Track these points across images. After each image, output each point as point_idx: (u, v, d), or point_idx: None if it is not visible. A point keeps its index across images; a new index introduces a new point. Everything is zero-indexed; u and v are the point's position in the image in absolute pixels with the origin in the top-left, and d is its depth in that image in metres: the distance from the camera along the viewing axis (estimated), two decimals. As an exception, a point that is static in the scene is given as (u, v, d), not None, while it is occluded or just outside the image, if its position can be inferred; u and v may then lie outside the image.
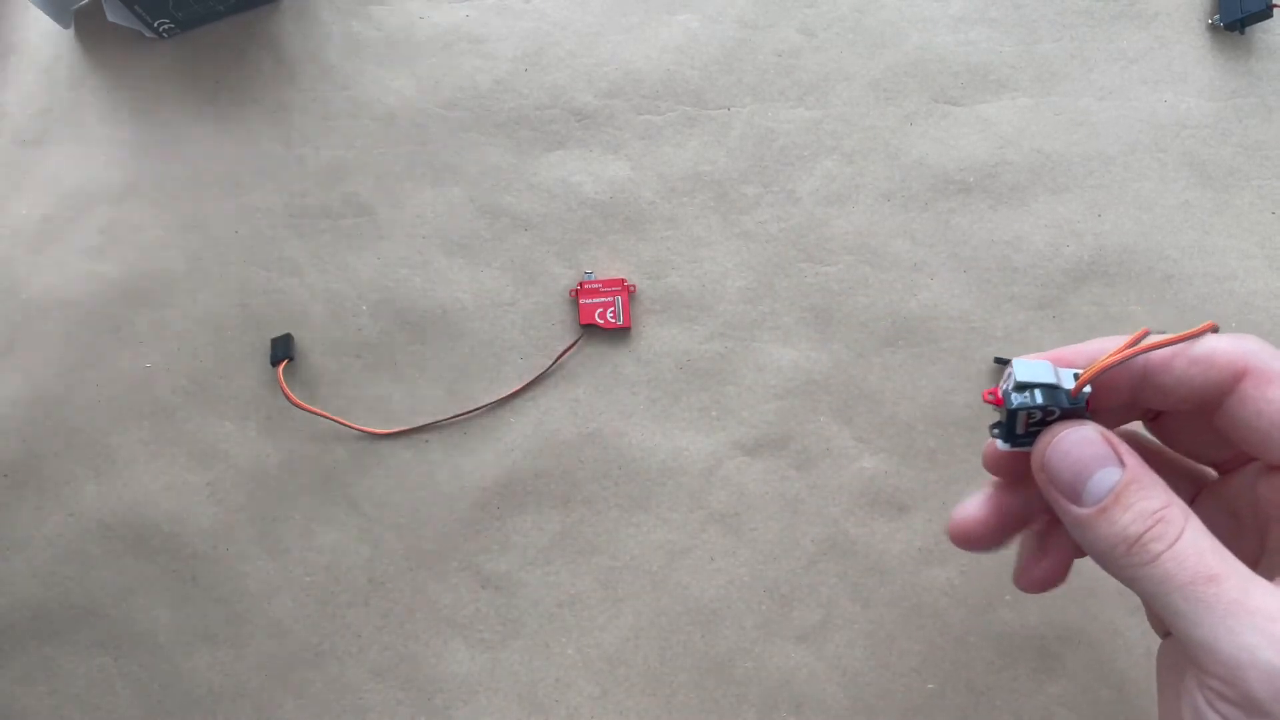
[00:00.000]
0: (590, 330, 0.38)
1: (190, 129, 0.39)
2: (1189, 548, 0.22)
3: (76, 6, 0.39)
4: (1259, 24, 0.39)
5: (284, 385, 0.37)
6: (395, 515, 0.37)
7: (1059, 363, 0.25)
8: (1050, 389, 0.24)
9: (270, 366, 0.38)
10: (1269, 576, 0.23)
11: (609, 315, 0.37)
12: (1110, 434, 0.24)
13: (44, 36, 0.39)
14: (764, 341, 0.38)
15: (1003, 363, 0.29)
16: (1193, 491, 0.28)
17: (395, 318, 0.38)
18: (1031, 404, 0.24)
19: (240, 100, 0.39)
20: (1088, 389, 0.24)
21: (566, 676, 0.36)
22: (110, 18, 0.37)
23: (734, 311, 0.38)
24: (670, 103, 0.39)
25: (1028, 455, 0.25)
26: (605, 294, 0.38)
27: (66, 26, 0.39)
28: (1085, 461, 0.24)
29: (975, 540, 0.28)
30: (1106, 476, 0.23)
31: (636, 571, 0.37)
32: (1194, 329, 0.24)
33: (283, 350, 0.37)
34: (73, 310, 0.38)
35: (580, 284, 0.38)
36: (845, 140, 0.39)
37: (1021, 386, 0.24)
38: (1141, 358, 0.24)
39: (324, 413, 0.37)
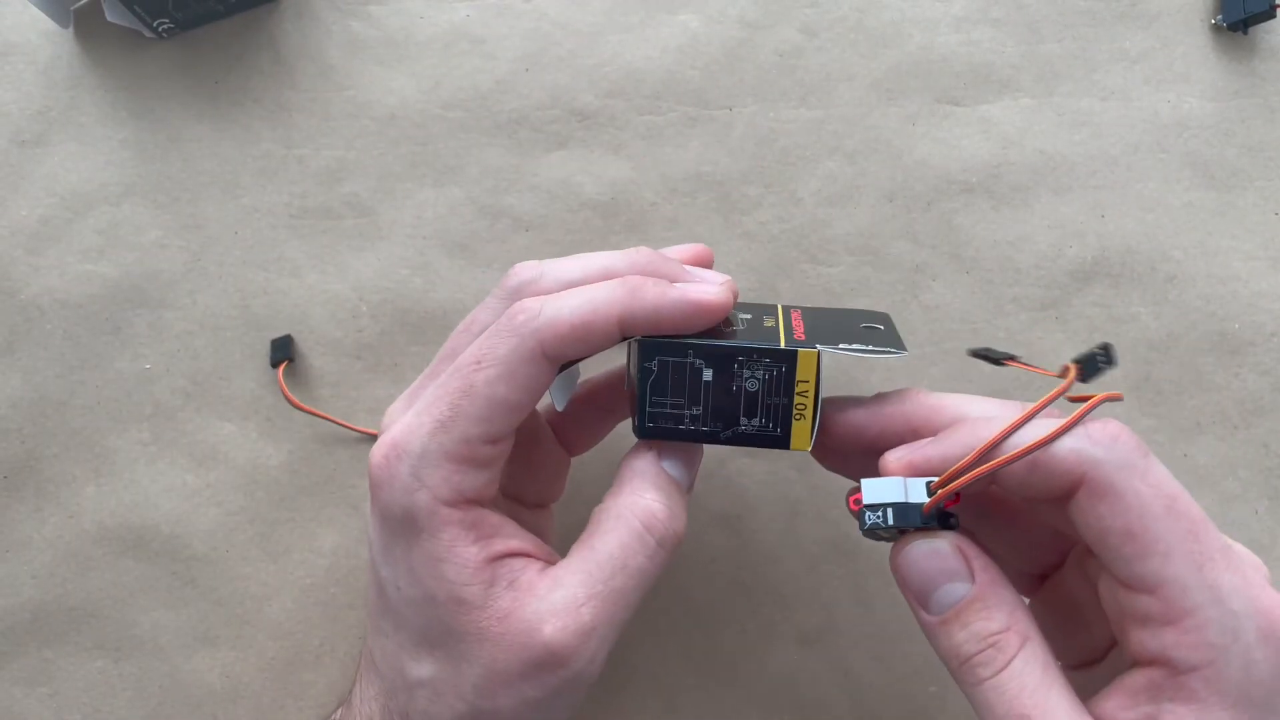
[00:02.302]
0: (591, 331, 0.38)
1: (190, 129, 0.39)
2: (1012, 681, 0.23)
3: (75, 6, 0.39)
4: (1262, 24, 0.39)
5: (284, 386, 0.37)
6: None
7: (920, 467, 0.25)
8: (901, 508, 0.24)
9: (270, 368, 0.38)
10: (1111, 672, 0.23)
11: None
12: (967, 545, 0.24)
13: (43, 36, 0.39)
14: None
15: (979, 356, 0.29)
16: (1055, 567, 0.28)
17: (395, 318, 0.38)
18: (883, 524, 0.24)
19: (240, 100, 0.39)
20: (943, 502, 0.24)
21: (568, 679, 0.36)
22: (109, 17, 0.37)
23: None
24: (671, 103, 0.39)
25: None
26: (606, 295, 0.37)
27: (65, 26, 0.39)
28: (932, 575, 0.24)
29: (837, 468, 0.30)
30: (952, 591, 0.24)
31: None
32: (1073, 415, 0.23)
33: (282, 351, 0.37)
34: (72, 311, 0.38)
35: (581, 285, 0.38)
36: (847, 141, 0.39)
37: (873, 506, 0.24)
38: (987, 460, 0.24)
39: (324, 414, 0.37)
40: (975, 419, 0.25)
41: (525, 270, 0.28)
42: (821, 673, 0.36)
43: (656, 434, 0.28)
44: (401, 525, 0.25)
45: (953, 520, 0.25)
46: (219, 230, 0.38)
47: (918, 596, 0.25)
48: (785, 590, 0.36)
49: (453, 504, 0.25)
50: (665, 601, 0.36)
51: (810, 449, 0.29)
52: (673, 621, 0.36)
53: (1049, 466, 0.23)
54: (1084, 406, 0.23)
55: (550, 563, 0.27)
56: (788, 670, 0.36)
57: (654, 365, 0.28)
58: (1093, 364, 0.26)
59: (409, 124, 0.39)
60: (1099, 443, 0.23)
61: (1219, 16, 0.39)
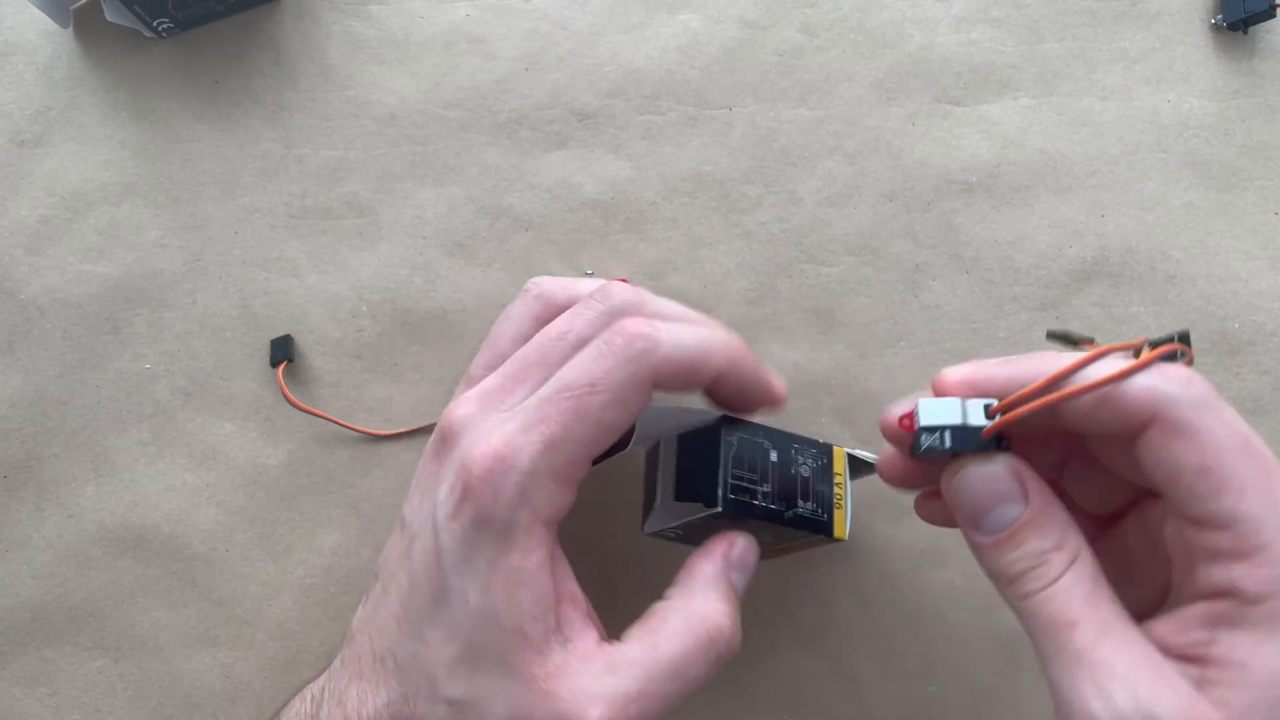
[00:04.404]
0: (591, 331, 0.38)
1: (190, 129, 0.39)
2: (1060, 592, 0.23)
3: (75, 6, 0.39)
4: (1262, 24, 0.39)
5: (284, 386, 0.37)
6: (396, 517, 0.37)
7: (982, 386, 0.24)
8: (960, 431, 0.24)
9: (270, 367, 0.38)
10: (1172, 614, 0.23)
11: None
12: (1022, 467, 0.24)
13: (42, 36, 0.39)
14: (766, 342, 0.38)
15: (1056, 338, 0.27)
16: (1116, 517, 0.28)
17: (395, 318, 0.38)
18: (940, 448, 0.24)
19: (240, 100, 0.39)
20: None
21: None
22: (109, 17, 0.37)
23: (735, 312, 0.38)
24: (671, 103, 0.39)
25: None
26: (606, 295, 0.37)
27: (65, 26, 0.39)
28: (987, 498, 0.24)
29: (898, 482, 0.28)
30: (1006, 513, 0.24)
31: (636, 572, 0.36)
32: (1144, 357, 0.23)
33: (282, 351, 0.37)
34: (71, 311, 0.38)
35: (581, 285, 0.38)
36: (847, 140, 0.39)
37: (930, 429, 0.24)
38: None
39: (324, 414, 0.37)
40: (1045, 352, 0.25)
41: (624, 290, 0.28)
42: (821, 673, 0.36)
43: (733, 506, 0.29)
44: (495, 537, 0.25)
45: (1005, 443, 0.24)
46: (219, 230, 0.38)
47: (970, 519, 0.24)
48: (785, 590, 0.36)
49: (549, 524, 0.25)
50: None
51: (847, 538, 0.31)
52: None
53: (1122, 402, 0.22)
54: (1156, 351, 0.23)
55: (594, 623, 0.27)
56: (788, 670, 0.36)
57: (734, 439, 0.29)
58: (1169, 353, 0.26)
59: (409, 124, 0.39)
60: (1174, 381, 0.22)
61: (1219, 16, 0.39)
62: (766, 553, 0.31)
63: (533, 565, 0.25)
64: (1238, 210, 0.38)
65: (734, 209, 0.38)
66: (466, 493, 0.25)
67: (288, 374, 0.37)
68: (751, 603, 0.36)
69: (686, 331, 0.26)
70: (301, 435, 0.38)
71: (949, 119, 0.39)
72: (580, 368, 0.26)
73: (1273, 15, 0.38)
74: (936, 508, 0.28)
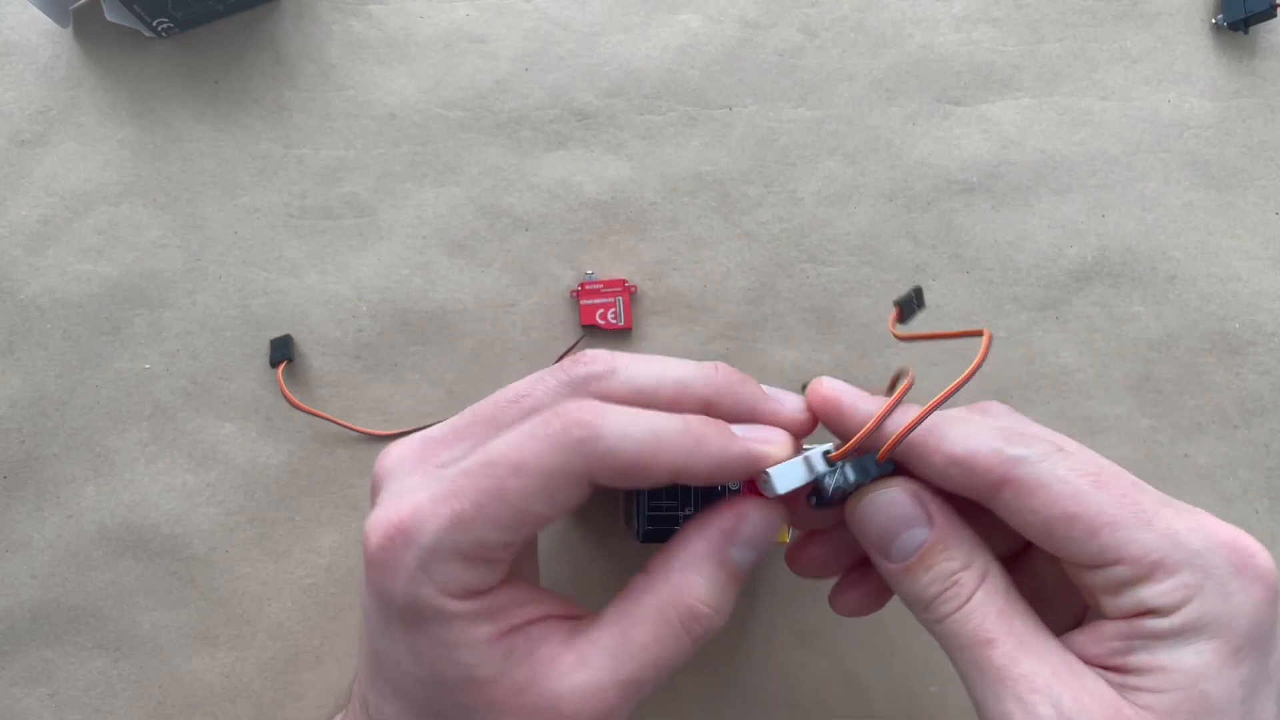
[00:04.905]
0: (591, 331, 0.38)
1: (189, 129, 0.39)
2: (975, 611, 0.23)
3: (75, 6, 0.39)
4: (1262, 24, 0.39)
5: (283, 386, 0.37)
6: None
7: (833, 410, 0.25)
8: (859, 462, 0.25)
9: (270, 367, 0.38)
10: (1088, 628, 0.23)
11: (610, 316, 0.37)
12: (922, 491, 0.24)
13: (42, 36, 0.39)
14: (766, 343, 0.38)
15: (905, 305, 0.27)
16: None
17: (395, 318, 0.38)
18: (845, 483, 0.25)
19: (240, 100, 0.39)
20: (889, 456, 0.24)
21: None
22: (109, 17, 0.37)
23: (736, 312, 0.38)
24: (671, 102, 0.39)
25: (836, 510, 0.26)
26: (606, 295, 0.37)
27: (65, 26, 0.39)
28: (891, 524, 0.24)
29: (810, 571, 0.29)
30: (912, 537, 0.24)
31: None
32: (890, 399, 0.24)
33: (282, 351, 0.37)
34: (71, 311, 0.38)
35: (581, 285, 0.38)
36: (847, 140, 0.39)
37: (831, 471, 0.25)
38: (904, 443, 0.24)
39: (324, 414, 0.37)
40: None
41: (597, 362, 0.25)
42: (821, 673, 0.36)
43: (654, 537, 0.29)
44: (402, 612, 0.23)
45: (890, 465, 0.25)
46: (219, 230, 0.38)
47: (879, 545, 0.25)
48: (785, 590, 0.36)
49: (462, 598, 0.23)
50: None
51: (788, 542, 0.30)
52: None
53: (970, 465, 0.23)
54: (899, 392, 0.24)
55: (573, 616, 0.25)
56: (788, 670, 0.36)
57: None
58: (910, 306, 0.27)
59: (409, 124, 0.39)
60: (1016, 442, 0.23)
61: (1219, 16, 0.39)
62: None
63: (454, 632, 0.23)
64: (1238, 210, 0.38)
65: (734, 209, 0.38)
66: (370, 566, 0.23)
67: (288, 374, 0.37)
68: (752, 601, 0.36)
69: (633, 428, 0.23)
70: (301, 435, 0.38)
71: (949, 119, 0.39)
72: (510, 444, 0.23)
73: (1273, 15, 0.38)
74: (854, 598, 0.28)
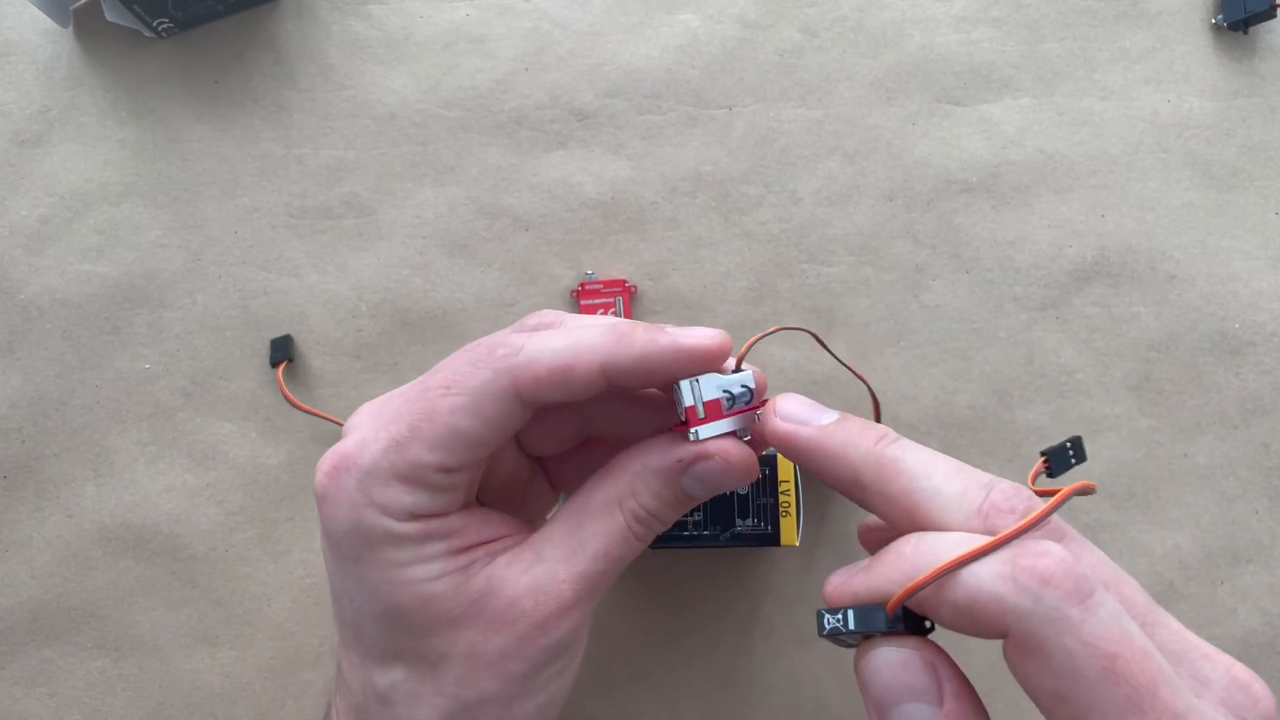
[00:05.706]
0: (591, 331, 0.38)
1: (189, 129, 0.39)
2: None
3: (75, 6, 0.39)
4: (1262, 24, 0.39)
5: (283, 386, 0.37)
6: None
7: (863, 596, 0.22)
8: (863, 610, 0.21)
9: (270, 367, 0.38)
10: None
11: (610, 316, 0.37)
12: (941, 659, 0.21)
13: (42, 36, 0.39)
14: (766, 342, 0.38)
15: (1050, 459, 0.24)
16: None
17: (395, 318, 0.38)
18: (844, 628, 0.21)
19: (240, 100, 0.39)
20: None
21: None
22: (109, 17, 0.37)
23: (736, 312, 0.38)
24: (671, 102, 0.39)
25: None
26: (606, 295, 0.37)
27: (65, 26, 0.39)
28: (896, 689, 0.21)
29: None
30: (915, 712, 0.21)
31: (639, 573, 0.36)
32: (1006, 531, 0.20)
33: (282, 351, 0.37)
34: (71, 311, 0.38)
35: (581, 285, 0.38)
36: (847, 140, 0.39)
37: (833, 610, 0.22)
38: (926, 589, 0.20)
39: (324, 414, 0.37)
40: (918, 538, 0.22)
41: (547, 314, 0.27)
42: (821, 673, 0.36)
43: (662, 542, 0.30)
44: (349, 542, 0.24)
45: (927, 623, 0.22)
46: (219, 230, 0.38)
47: (877, 707, 0.22)
48: (785, 590, 0.36)
49: (405, 520, 0.24)
50: (666, 603, 0.36)
51: (798, 543, 0.31)
52: (674, 623, 0.36)
53: (971, 613, 0.20)
54: (1024, 523, 0.20)
55: (514, 516, 0.26)
56: (788, 670, 0.36)
57: None
58: (1063, 458, 0.23)
59: (409, 124, 0.39)
60: (1025, 588, 0.19)
61: (1219, 16, 0.39)
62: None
63: (404, 555, 0.24)
64: (1238, 210, 0.38)
65: (734, 209, 0.38)
66: (319, 504, 0.24)
67: (288, 374, 0.37)
68: (752, 601, 0.36)
69: (557, 337, 0.24)
70: (301, 435, 0.38)
71: (949, 119, 0.39)
72: (443, 372, 0.24)
73: (1273, 15, 0.38)
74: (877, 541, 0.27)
